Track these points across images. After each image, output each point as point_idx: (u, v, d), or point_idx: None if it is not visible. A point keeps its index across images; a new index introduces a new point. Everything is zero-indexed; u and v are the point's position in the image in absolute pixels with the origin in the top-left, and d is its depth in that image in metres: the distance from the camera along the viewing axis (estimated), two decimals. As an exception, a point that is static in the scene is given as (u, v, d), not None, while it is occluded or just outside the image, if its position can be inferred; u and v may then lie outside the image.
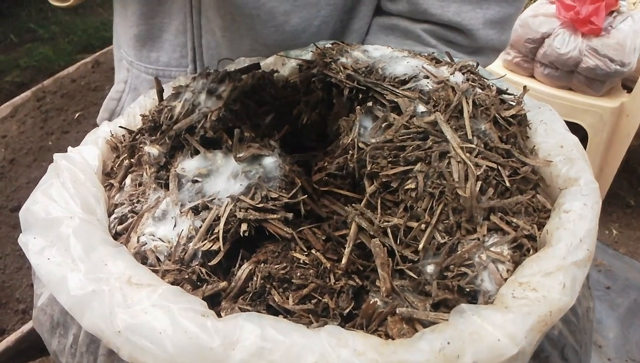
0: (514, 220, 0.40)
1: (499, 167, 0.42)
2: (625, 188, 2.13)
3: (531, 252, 0.39)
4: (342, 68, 0.49)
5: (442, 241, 0.39)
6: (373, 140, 0.43)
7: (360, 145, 0.43)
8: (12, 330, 1.13)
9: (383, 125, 0.44)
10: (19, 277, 1.26)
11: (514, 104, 0.48)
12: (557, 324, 0.38)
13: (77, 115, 1.54)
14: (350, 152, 0.43)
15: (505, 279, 0.37)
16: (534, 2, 1.76)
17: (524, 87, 0.51)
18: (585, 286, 0.44)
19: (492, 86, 0.50)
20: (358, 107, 0.46)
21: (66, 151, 0.50)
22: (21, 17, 3.06)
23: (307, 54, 0.62)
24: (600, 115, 1.73)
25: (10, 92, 2.34)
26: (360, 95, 0.48)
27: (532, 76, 1.79)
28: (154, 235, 0.42)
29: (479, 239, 0.39)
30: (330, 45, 0.54)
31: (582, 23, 1.58)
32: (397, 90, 0.46)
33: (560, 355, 0.39)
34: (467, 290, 0.38)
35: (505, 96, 0.50)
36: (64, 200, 0.42)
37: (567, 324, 0.39)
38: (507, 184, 0.41)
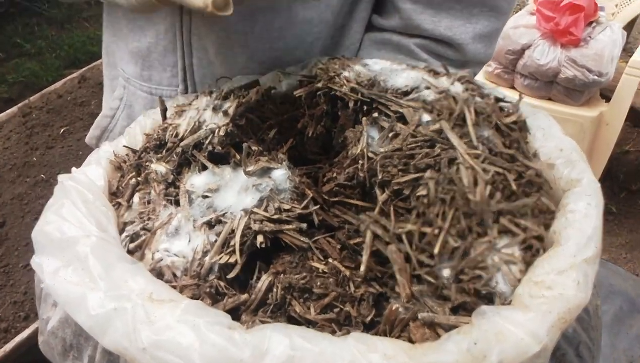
0: (522, 221, 0.41)
1: (505, 172, 0.43)
2: (607, 196, 2.17)
3: (540, 252, 0.40)
4: (345, 81, 0.50)
5: (455, 245, 0.39)
6: (382, 150, 0.44)
7: (370, 154, 0.44)
8: (-6, 349, 1.11)
9: (390, 135, 0.45)
10: (1, 295, 1.24)
11: (512, 111, 0.50)
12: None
13: (62, 130, 1.53)
14: (360, 161, 0.44)
15: (519, 280, 0.38)
16: (516, 13, 1.81)
17: (520, 94, 0.53)
18: (593, 284, 0.45)
19: (490, 95, 0.51)
20: (364, 118, 0.47)
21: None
22: (7, 31, 3.03)
23: (304, 70, 0.63)
24: (580, 125, 1.78)
25: (-3, 108, 2.30)
26: (365, 107, 0.49)
27: (513, 87, 1.84)
28: (168, 251, 0.42)
29: (490, 242, 0.40)
30: (332, 60, 0.55)
31: (561, 34, 1.63)
32: (401, 101, 0.48)
33: (576, 352, 0.39)
34: (484, 292, 0.38)
35: (503, 104, 0.51)
36: (77, 219, 0.41)
37: (580, 322, 0.40)
38: (514, 188, 0.42)
